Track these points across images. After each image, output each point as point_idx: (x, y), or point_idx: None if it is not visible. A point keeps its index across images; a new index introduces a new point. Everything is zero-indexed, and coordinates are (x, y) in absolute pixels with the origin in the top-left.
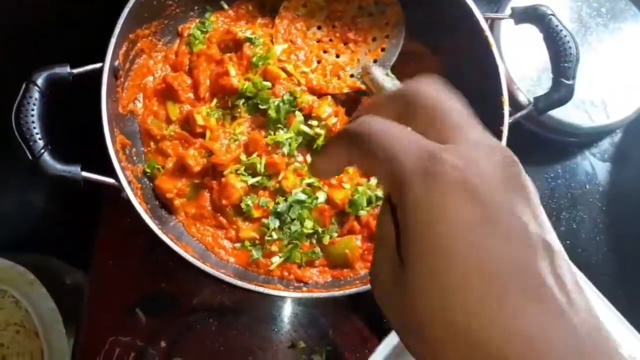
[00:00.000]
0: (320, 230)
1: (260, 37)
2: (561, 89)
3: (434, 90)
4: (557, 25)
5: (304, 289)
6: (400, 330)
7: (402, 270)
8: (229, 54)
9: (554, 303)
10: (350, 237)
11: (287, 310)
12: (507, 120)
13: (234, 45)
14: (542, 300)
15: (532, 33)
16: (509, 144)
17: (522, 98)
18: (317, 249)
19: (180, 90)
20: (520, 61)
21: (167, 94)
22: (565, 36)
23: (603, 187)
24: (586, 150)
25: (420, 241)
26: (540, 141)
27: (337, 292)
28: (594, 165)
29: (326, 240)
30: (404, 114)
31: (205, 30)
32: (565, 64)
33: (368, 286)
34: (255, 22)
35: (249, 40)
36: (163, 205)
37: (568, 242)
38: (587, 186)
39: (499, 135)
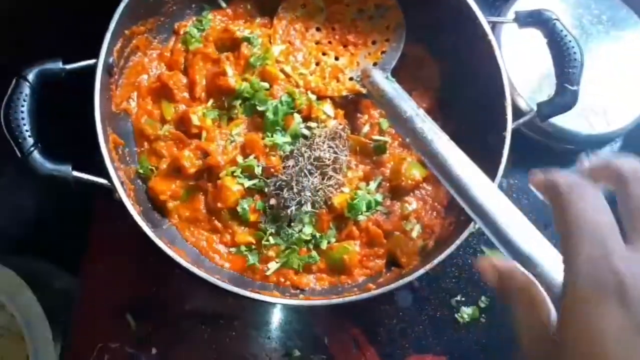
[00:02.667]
0: (318, 235)
1: (258, 37)
2: (565, 94)
3: None
4: (561, 30)
5: (301, 296)
6: None
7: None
8: (225, 53)
9: None
10: (349, 242)
11: (282, 317)
12: (510, 125)
13: (231, 45)
14: None
15: (532, 40)
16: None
17: (523, 105)
18: (314, 253)
19: (175, 89)
20: (520, 68)
21: (162, 93)
22: (570, 41)
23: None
24: None
25: (574, 338)
26: (540, 148)
27: (334, 300)
28: None
29: (324, 245)
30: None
31: (202, 28)
32: (570, 70)
33: (366, 294)
34: (254, 22)
35: (247, 39)
36: (156, 207)
37: None
38: None
39: (501, 142)
